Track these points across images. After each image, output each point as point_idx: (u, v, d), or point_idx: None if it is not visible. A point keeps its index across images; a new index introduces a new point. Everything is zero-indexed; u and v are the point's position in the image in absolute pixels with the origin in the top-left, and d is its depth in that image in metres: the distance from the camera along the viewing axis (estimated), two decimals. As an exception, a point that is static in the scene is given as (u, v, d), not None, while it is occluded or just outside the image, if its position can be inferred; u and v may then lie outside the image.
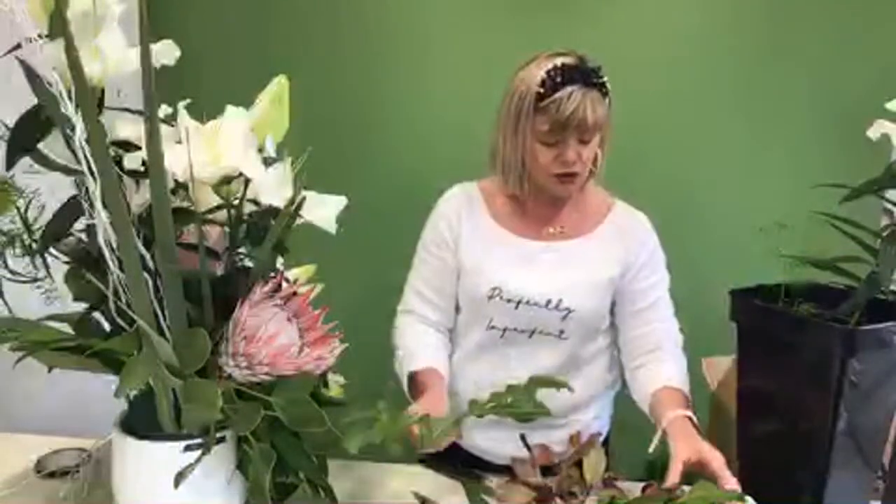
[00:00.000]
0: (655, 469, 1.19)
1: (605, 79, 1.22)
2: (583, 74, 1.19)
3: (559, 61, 1.20)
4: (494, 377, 1.27)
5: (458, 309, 1.37)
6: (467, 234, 1.33)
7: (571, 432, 1.25)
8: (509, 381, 1.16)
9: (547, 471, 1.14)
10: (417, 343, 1.32)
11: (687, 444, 1.07)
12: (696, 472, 1.06)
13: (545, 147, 1.22)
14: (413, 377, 1.27)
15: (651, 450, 1.13)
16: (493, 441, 1.32)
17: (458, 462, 1.23)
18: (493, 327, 1.31)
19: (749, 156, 2.02)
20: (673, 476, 1.04)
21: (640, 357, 1.30)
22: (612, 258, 1.30)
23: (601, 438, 1.36)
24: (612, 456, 1.24)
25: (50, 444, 1.20)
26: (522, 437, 1.20)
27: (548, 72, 1.19)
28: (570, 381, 1.25)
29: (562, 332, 1.29)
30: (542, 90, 1.19)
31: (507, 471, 1.16)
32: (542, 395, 1.21)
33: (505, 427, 1.23)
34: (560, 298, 1.27)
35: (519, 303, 1.28)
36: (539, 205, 1.32)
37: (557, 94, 1.18)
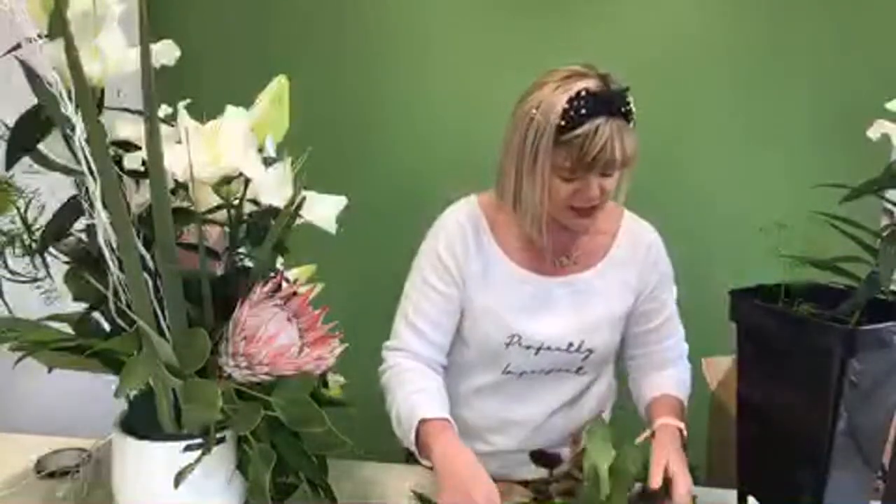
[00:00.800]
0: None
1: (632, 102, 1.08)
2: (609, 102, 1.05)
3: (581, 86, 1.05)
4: (507, 411, 1.27)
5: (462, 342, 1.26)
6: (476, 271, 1.21)
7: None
8: (519, 415, 1.25)
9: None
10: (424, 387, 1.17)
11: (664, 451, 1.08)
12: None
13: (564, 182, 1.10)
14: (425, 424, 1.09)
15: (637, 442, 1.14)
16: (507, 469, 1.23)
17: None
18: (509, 371, 1.24)
19: (749, 156, 2.02)
20: (655, 479, 1.05)
21: (645, 369, 1.31)
22: (626, 287, 1.25)
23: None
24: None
25: (50, 444, 1.20)
26: (534, 455, 1.19)
27: (570, 101, 1.05)
28: (582, 405, 1.30)
29: (580, 368, 1.26)
30: (563, 123, 1.05)
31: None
32: (553, 421, 1.26)
33: (518, 455, 1.23)
34: (582, 340, 1.22)
35: (539, 349, 1.21)
36: (550, 233, 1.18)
37: (582, 129, 1.04)
